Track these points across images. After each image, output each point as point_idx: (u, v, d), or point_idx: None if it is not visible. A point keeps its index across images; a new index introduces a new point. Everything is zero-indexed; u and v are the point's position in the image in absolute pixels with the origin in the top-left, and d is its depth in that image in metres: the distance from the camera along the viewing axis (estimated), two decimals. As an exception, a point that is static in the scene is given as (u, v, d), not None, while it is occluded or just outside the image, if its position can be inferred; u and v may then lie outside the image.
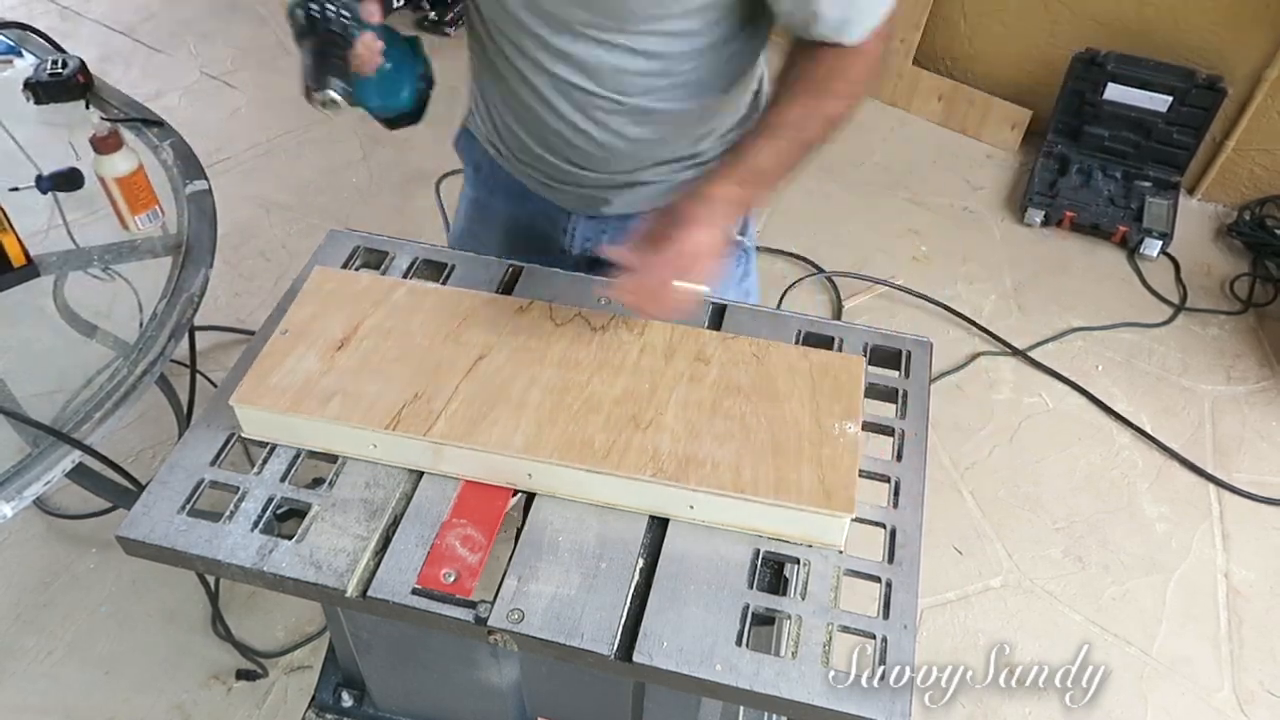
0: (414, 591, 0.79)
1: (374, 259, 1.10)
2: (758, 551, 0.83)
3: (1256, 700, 1.78)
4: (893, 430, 0.95)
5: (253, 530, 0.83)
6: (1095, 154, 2.77)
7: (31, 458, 1.05)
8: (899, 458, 0.93)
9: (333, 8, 0.96)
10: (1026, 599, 1.91)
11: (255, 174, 2.75)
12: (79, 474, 1.23)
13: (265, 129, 2.88)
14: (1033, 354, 2.36)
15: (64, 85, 1.46)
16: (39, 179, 1.34)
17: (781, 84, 0.99)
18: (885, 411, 0.97)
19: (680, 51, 0.99)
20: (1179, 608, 1.91)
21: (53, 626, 1.78)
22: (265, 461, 0.89)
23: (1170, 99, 2.59)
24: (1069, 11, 2.73)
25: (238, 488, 0.86)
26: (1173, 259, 2.62)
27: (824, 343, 1.01)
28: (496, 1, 1.00)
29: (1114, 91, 2.65)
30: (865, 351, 1.01)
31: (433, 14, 3.26)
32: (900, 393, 0.99)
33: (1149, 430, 2.20)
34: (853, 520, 0.83)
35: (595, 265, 1.21)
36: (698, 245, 0.88)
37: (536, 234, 1.25)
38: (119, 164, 1.29)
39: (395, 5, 1.03)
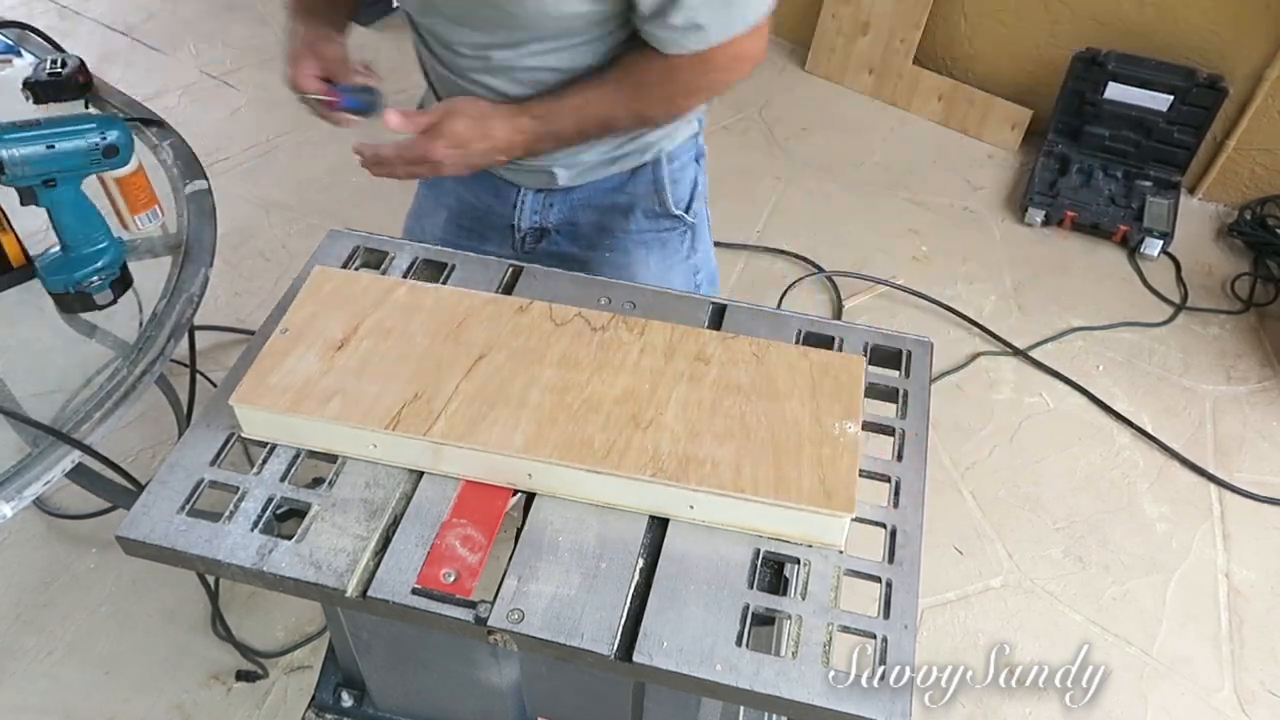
0: (414, 591, 0.79)
1: (374, 259, 1.10)
2: (758, 551, 0.83)
3: (1257, 700, 1.78)
4: (893, 430, 0.95)
5: (252, 530, 0.83)
6: (1096, 153, 2.77)
7: (31, 458, 1.05)
8: (899, 458, 0.93)
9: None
10: (1026, 599, 1.91)
11: (255, 174, 2.75)
12: (79, 474, 1.23)
13: (265, 129, 2.88)
14: (1033, 354, 2.36)
15: (63, 85, 1.46)
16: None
17: (621, 67, 1.06)
18: (885, 411, 0.97)
19: (588, 63, 1.07)
20: (1179, 608, 1.91)
21: (53, 626, 1.78)
22: (265, 461, 0.89)
23: (1171, 98, 2.59)
24: (1069, 11, 2.73)
25: (237, 488, 0.86)
26: (1173, 258, 2.62)
27: (824, 342, 1.01)
28: (428, 22, 1.12)
29: (1114, 91, 2.65)
30: (865, 351, 1.01)
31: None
32: (900, 392, 0.99)
33: (1150, 430, 2.20)
34: (853, 520, 0.83)
35: (542, 236, 1.30)
36: (454, 136, 1.05)
37: (485, 210, 1.32)
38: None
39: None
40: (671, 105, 1.09)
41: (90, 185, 1.18)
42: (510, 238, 1.31)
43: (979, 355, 2.36)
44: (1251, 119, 2.61)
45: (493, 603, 0.78)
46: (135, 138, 1.26)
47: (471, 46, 1.08)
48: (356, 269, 1.08)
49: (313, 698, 1.11)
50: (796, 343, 0.99)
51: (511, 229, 1.30)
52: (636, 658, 0.76)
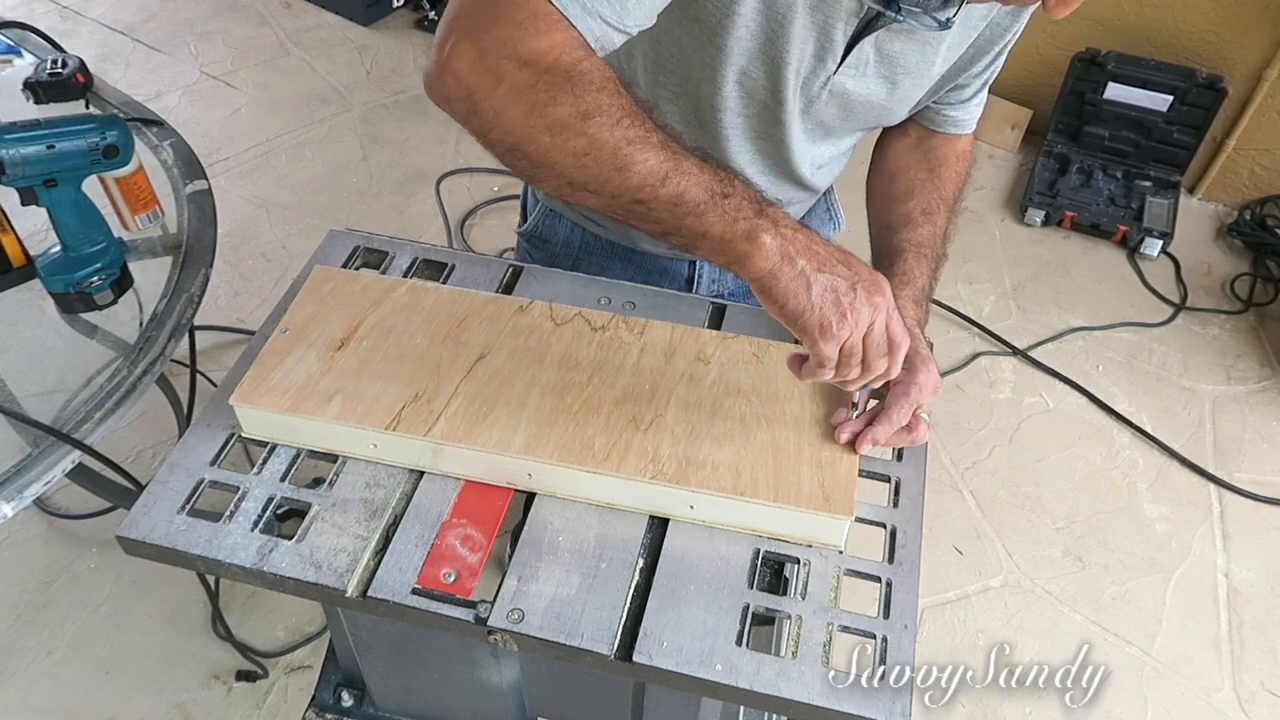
0: (414, 591, 0.79)
1: (374, 259, 1.09)
2: (758, 551, 0.83)
3: (1257, 700, 1.78)
4: (893, 430, 0.95)
5: (253, 530, 0.83)
6: (1095, 153, 2.77)
7: (31, 458, 1.05)
8: (899, 458, 0.93)
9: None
10: (1026, 599, 1.91)
11: (255, 174, 2.75)
12: (79, 474, 1.23)
13: (265, 129, 2.88)
14: (1033, 354, 2.36)
15: (64, 85, 1.46)
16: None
17: (919, 192, 1.04)
18: (885, 411, 0.97)
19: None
20: (1179, 608, 1.91)
21: (53, 626, 1.78)
22: (265, 461, 0.89)
23: (1170, 98, 2.59)
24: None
25: (238, 487, 0.86)
26: (1173, 258, 2.62)
27: (824, 342, 1.01)
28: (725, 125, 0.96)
29: (1114, 91, 2.65)
30: (865, 351, 1.00)
31: (432, 14, 3.26)
32: (900, 393, 0.99)
33: (1149, 430, 2.20)
34: (853, 520, 0.83)
35: (722, 311, 1.18)
36: (933, 381, 0.89)
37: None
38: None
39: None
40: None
41: (90, 185, 1.18)
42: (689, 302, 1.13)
43: (979, 355, 2.36)
44: (1251, 119, 2.61)
45: (493, 603, 0.78)
46: (135, 138, 1.26)
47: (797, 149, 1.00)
48: (357, 269, 1.08)
49: (313, 697, 1.11)
50: (796, 343, 0.99)
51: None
52: (636, 658, 0.76)
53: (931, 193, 1.04)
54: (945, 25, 0.81)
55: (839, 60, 0.88)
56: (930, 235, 1.00)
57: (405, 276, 1.06)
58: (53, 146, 1.09)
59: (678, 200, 0.71)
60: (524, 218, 1.25)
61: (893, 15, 0.81)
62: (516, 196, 2.65)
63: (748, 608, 0.79)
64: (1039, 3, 0.76)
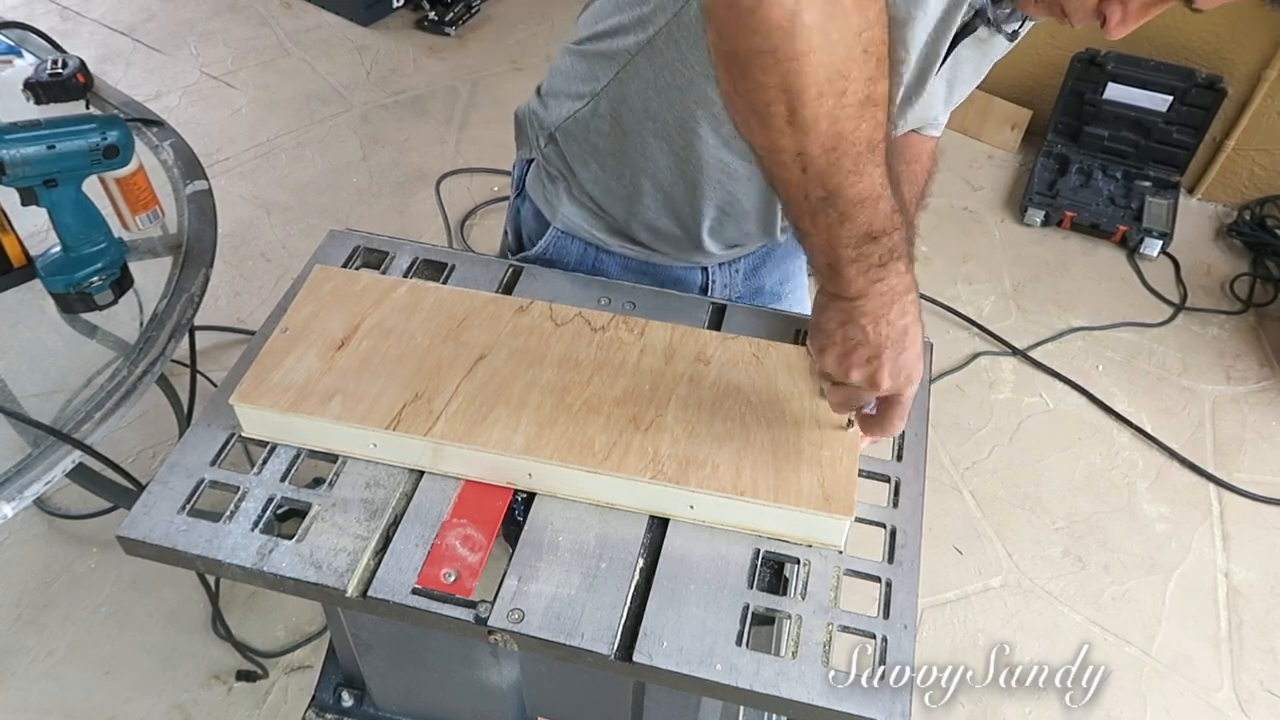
0: (414, 591, 0.79)
1: (374, 259, 1.09)
2: (758, 551, 0.83)
3: (1256, 700, 1.78)
4: (893, 430, 0.95)
5: (253, 530, 0.83)
6: (1095, 154, 2.77)
7: (32, 458, 1.05)
8: (899, 458, 0.93)
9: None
10: (1026, 599, 1.91)
11: (255, 174, 2.75)
12: (79, 474, 1.23)
13: (265, 129, 2.88)
14: (1033, 354, 2.36)
15: (64, 85, 1.46)
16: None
17: (898, 183, 1.02)
18: (885, 411, 0.97)
19: None
20: (1179, 608, 1.91)
21: (53, 626, 1.78)
22: (265, 461, 0.89)
23: (1170, 99, 2.59)
24: (1069, 11, 2.73)
25: (238, 487, 0.86)
26: (1173, 259, 2.62)
27: (824, 343, 1.01)
28: None
29: (1114, 91, 2.65)
30: (865, 351, 1.00)
31: (432, 14, 3.26)
32: (900, 393, 0.99)
33: (1149, 430, 2.20)
34: (853, 520, 0.83)
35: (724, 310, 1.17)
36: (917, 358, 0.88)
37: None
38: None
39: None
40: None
41: (91, 185, 1.18)
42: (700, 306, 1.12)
43: (979, 355, 2.36)
44: (1250, 119, 2.61)
45: (493, 603, 0.78)
46: (135, 138, 1.26)
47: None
48: (357, 269, 1.08)
49: (313, 697, 1.11)
50: (796, 343, 1.00)
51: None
52: (636, 658, 0.76)
53: (908, 186, 1.06)
54: (1013, 38, 0.87)
55: (941, 62, 0.88)
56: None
57: (405, 276, 1.06)
58: (53, 147, 1.09)
59: (872, 195, 0.70)
60: (519, 244, 1.20)
61: (983, 22, 0.85)
62: (516, 197, 2.66)
63: (748, 608, 0.79)
64: (1099, 22, 0.78)
